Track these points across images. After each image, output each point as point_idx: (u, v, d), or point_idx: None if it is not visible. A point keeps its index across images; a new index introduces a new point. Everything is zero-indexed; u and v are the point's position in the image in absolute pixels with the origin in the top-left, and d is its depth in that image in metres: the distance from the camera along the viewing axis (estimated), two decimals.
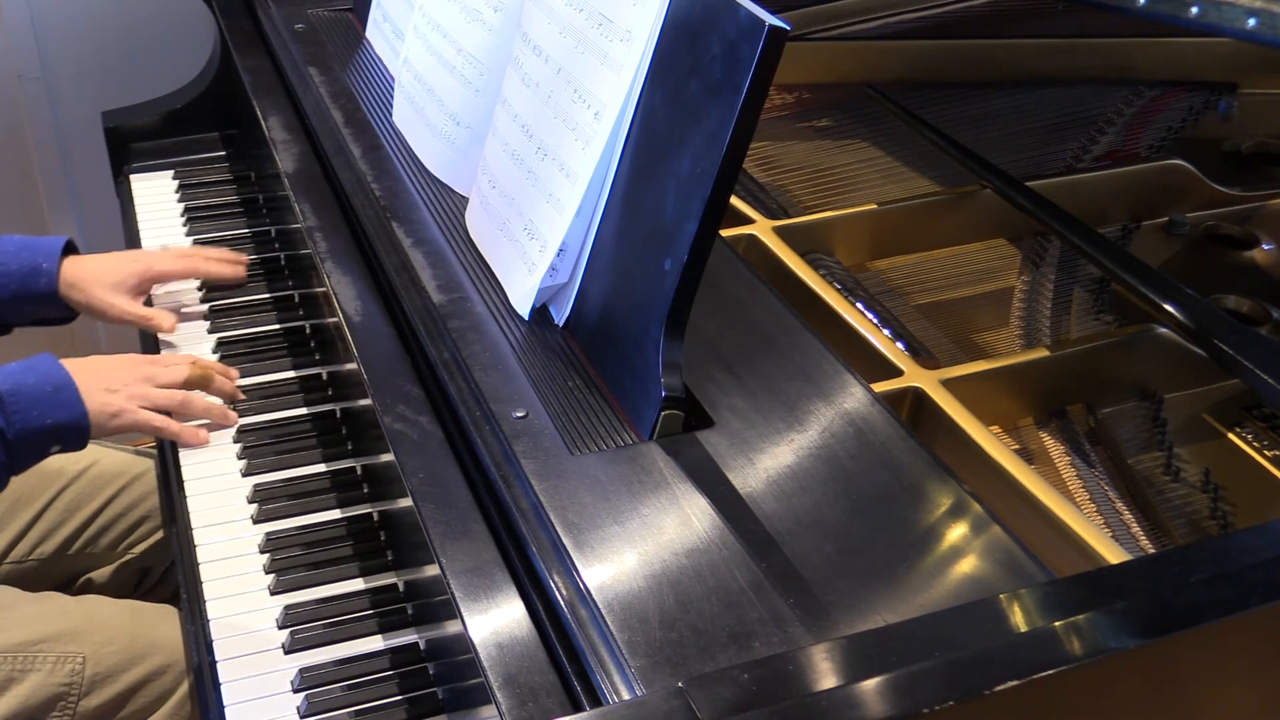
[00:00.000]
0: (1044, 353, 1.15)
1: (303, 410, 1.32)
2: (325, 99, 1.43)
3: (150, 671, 1.24)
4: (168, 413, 1.25)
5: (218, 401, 1.29)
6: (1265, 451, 1.11)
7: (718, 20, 0.87)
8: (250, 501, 1.21)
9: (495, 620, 0.82)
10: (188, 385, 1.26)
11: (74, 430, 1.17)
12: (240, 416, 1.30)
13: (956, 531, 0.85)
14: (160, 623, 1.28)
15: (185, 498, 1.22)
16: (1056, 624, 0.71)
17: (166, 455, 1.30)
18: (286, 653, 1.05)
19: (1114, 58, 1.64)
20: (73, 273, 1.39)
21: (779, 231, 1.28)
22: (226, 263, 1.48)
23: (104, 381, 1.20)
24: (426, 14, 1.33)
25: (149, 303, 1.47)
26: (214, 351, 1.42)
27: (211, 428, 1.28)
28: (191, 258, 1.47)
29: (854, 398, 0.96)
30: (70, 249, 1.41)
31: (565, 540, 0.82)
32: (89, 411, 1.17)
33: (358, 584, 1.12)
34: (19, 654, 1.20)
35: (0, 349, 1.45)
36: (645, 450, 0.90)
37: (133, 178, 1.81)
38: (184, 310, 1.48)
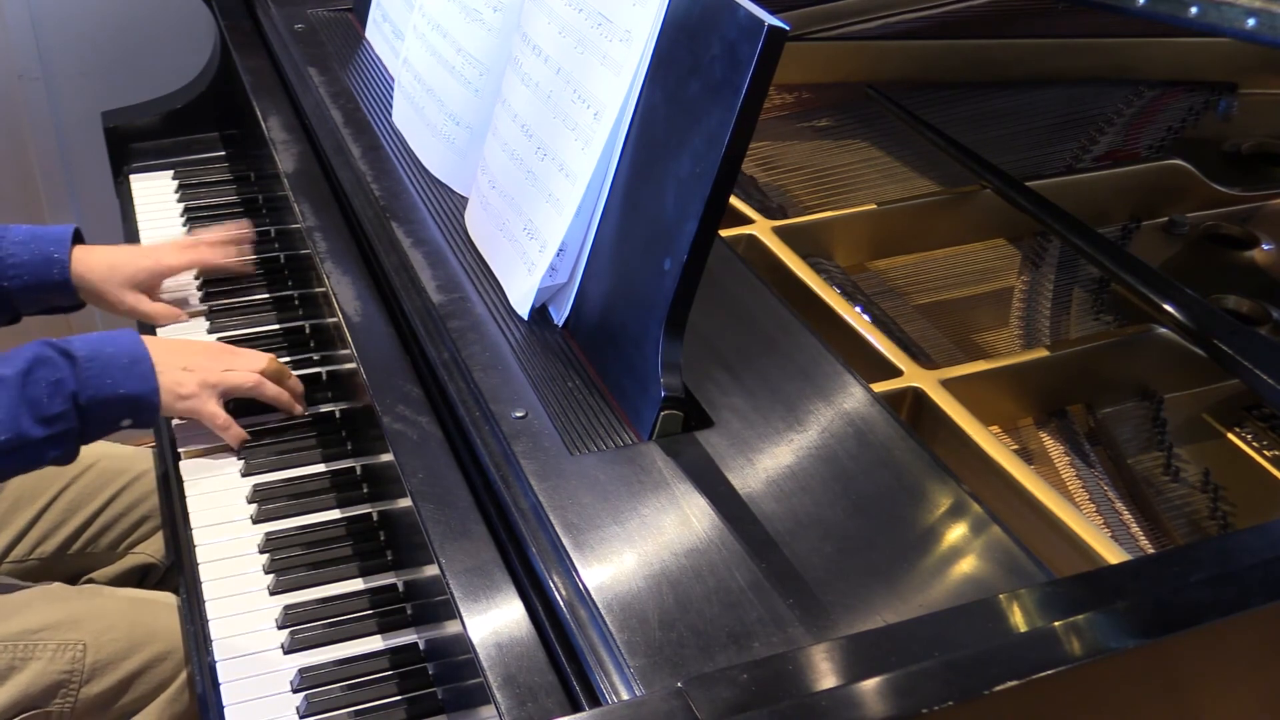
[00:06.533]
0: (1044, 353, 1.15)
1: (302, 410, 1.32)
2: (325, 99, 1.43)
3: (150, 659, 1.24)
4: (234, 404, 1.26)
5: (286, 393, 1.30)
6: (1265, 451, 1.11)
7: (717, 20, 0.87)
8: (250, 501, 1.21)
9: (495, 620, 0.82)
10: (263, 374, 1.26)
11: (144, 403, 1.18)
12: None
13: (956, 531, 0.85)
14: (160, 611, 1.28)
15: (185, 498, 1.22)
16: (1056, 624, 0.71)
17: (166, 455, 1.30)
18: (286, 653, 1.05)
19: (1114, 58, 1.64)
20: (83, 264, 1.42)
21: (779, 232, 1.28)
22: (230, 253, 1.50)
23: (182, 361, 1.21)
24: (426, 14, 1.33)
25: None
26: None
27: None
28: (196, 248, 1.49)
29: (854, 398, 0.96)
30: (77, 237, 1.43)
31: (565, 540, 0.82)
32: (161, 387, 1.18)
33: (357, 584, 1.12)
34: (20, 642, 1.20)
35: (4, 337, 1.46)
36: (645, 450, 0.90)
37: (133, 178, 1.81)
38: (186, 309, 1.48)
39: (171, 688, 1.25)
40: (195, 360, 1.23)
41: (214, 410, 1.23)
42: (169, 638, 1.25)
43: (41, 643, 1.21)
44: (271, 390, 1.26)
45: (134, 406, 1.18)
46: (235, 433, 1.25)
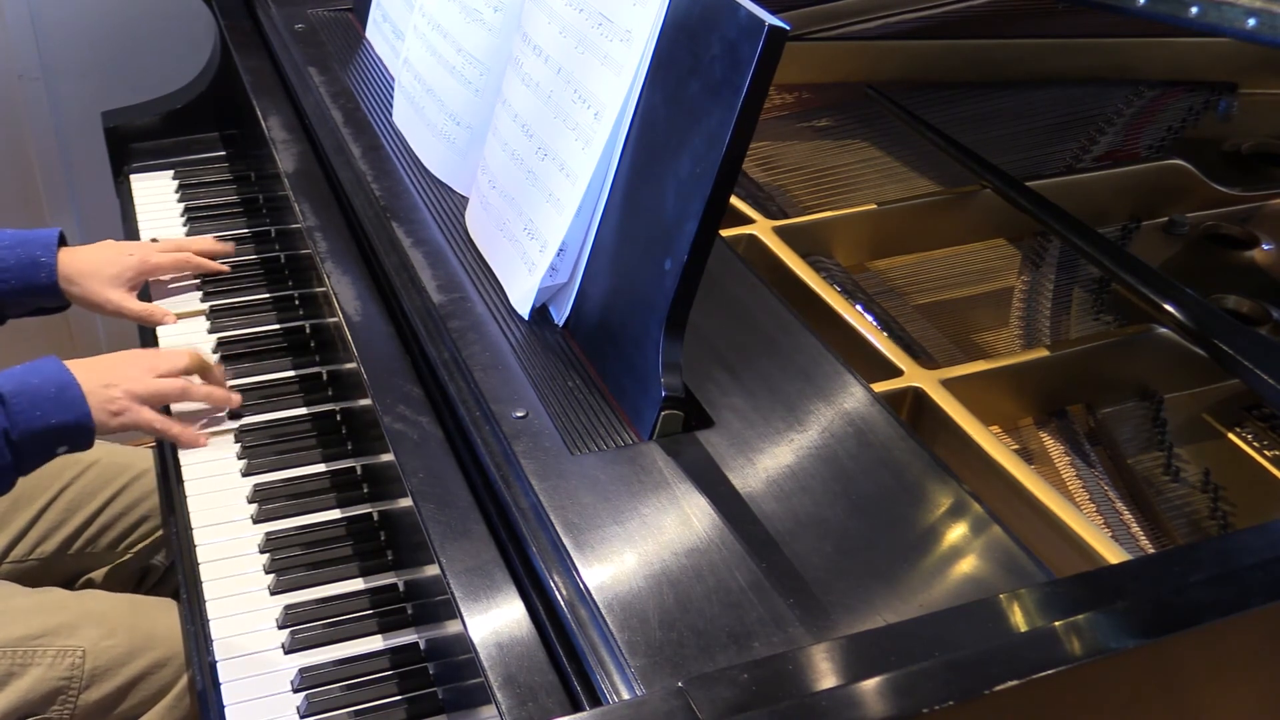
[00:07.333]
0: (1044, 353, 1.15)
1: (303, 410, 1.32)
2: (325, 99, 1.43)
3: (150, 665, 1.24)
4: (169, 408, 1.25)
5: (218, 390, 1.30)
6: (1265, 451, 1.11)
7: (717, 20, 0.87)
8: (250, 501, 1.21)
9: (495, 620, 0.82)
10: (188, 373, 1.26)
11: (78, 430, 1.17)
12: (240, 416, 1.30)
13: (956, 531, 0.85)
14: (160, 616, 1.28)
15: (185, 497, 1.22)
16: (1056, 624, 0.71)
17: (166, 454, 1.30)
18: (286, 653, 1.05)
19: (1114, 58, 1.64)
20: (69, 265, 1.42)
21: (779, 232, 1.28)
22: (215, 257, 1.52)
23: (106, 378, 1.21)
24: (426, 14, 1.33)
25: (145, 295, 1.49)
26: (214, 351, 1.42)
27: (213, 423, 1.28)
28: (183, 252, 1.50)
29: (854, 398, 0.96)
30: (61, 240, 1.44)
31: (565, 540, 0.82)
32: (92, 410, 1.18)
33: (358, 584, 1.12)
34: (18, 648, 1.20)
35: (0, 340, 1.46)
36: (645, 450, 0.90)
37: (133, 178, 1.81)
38: (184, 310, 1.48)
39: (171, 694, 1.25)
40: (119, 374, 1.22)
41: (149, 418, 1.22)
42: (168, 643, 1.25)
43: (40, 649, 1.21)
44: (201, 392, 1.27)
45: (68, 434, 1.17)
46: (176, 431, 1.25)
